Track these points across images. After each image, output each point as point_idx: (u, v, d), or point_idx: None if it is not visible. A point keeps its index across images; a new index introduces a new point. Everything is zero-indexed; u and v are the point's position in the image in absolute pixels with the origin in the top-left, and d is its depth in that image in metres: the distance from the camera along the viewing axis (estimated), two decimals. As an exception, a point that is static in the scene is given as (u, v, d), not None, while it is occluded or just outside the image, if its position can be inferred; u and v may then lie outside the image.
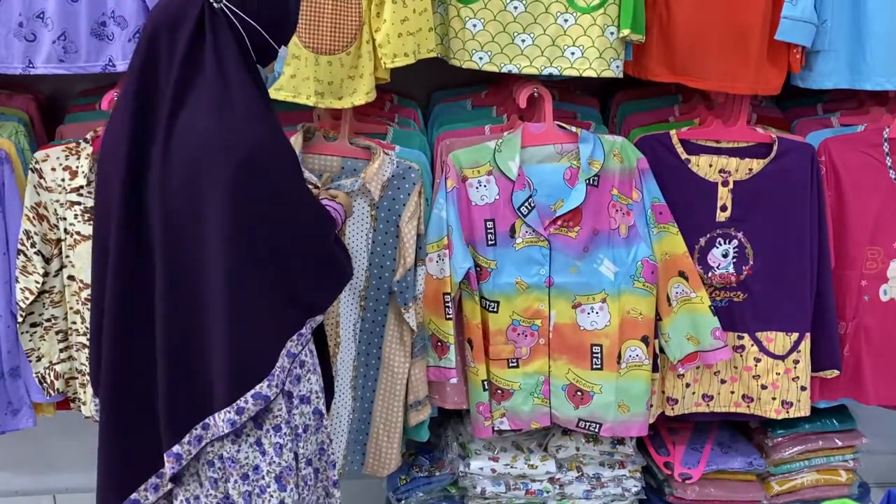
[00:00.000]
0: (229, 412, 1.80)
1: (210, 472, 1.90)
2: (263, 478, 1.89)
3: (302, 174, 1.94)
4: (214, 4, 1.77)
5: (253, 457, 1.88)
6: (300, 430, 1.95)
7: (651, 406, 2.55)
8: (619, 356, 2.49)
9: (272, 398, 1.82)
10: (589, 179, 2.43)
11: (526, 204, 2.43)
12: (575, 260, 2.47)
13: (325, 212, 1.98)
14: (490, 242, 2.46)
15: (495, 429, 2.55)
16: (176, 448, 1.84)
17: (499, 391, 2.53)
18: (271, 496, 1.90)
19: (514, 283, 2.47)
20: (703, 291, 2.49)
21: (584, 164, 2.43)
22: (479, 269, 2.47)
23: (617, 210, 2.45)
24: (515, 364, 2.52)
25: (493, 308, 2.48)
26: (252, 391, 1.80)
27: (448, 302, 2.44)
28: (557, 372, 2.52)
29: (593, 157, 2.43)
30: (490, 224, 2.45)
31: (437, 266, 2.43)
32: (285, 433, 1.89)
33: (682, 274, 2.48)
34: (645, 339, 2.48)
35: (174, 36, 1.77)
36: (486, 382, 2.51)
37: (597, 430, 2.54)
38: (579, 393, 2.52)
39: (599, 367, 2.51)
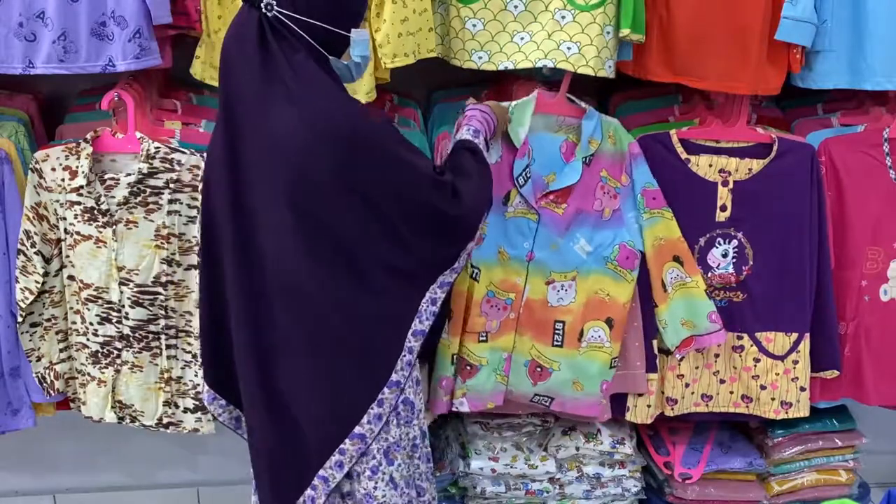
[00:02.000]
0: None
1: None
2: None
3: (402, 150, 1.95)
4: (268, 14, 1.84)
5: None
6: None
7: (606, 389, 2.51)
8: (581, 334, 2.47)
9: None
10: (585, 158, 2.42)
11: (523, 174, 2.39)
12: (557, 237, 2.44)
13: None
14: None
15: (455, 408, 2.48)
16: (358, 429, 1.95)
17: (467, 367, 2.47)
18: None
19: (497, 253, 2.42)
20: (699, 275, 2.49)
21: (583, 142, 2.41)
22: None
23: (605, 192, 2.44)
24: (485, 338, 2.47)
25: (476, 276, 2.43)
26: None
27: None
28: (521, 348, 2.49)
29: (593, 137, 2.41)
30: None
31: None
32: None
33: (676, 259, 2.47)
34: (609, 322, 2.46)
35: (243, 48, 1.85)
36: (455, 356, 2.44)
37: (548, 404, 2.52)
38: (539, 369, 2.50)
39: (560, 343, 2.49)
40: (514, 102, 2.37)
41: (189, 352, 2.44)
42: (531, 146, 2.39)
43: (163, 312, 2.41)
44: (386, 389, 1.94)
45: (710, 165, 2.50)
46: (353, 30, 1.92)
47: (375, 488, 1.97)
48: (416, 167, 1.92)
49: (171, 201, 2.35)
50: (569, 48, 2.39)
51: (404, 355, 1.96)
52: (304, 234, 1.85)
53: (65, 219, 2.37)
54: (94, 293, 2.39)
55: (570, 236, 2.44)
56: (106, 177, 2.34)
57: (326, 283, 1.88)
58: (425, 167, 1.94)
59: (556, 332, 2.48)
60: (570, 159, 2.42)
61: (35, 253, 2.37)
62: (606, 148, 2.43)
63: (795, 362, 2.58)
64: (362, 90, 2.34)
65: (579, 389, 2.49)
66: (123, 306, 2.39)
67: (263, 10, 1.84)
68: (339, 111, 1.85)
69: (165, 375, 2.45)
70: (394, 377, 1.95)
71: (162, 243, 2.36)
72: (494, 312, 2.45)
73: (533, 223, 2.42)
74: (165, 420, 2.49)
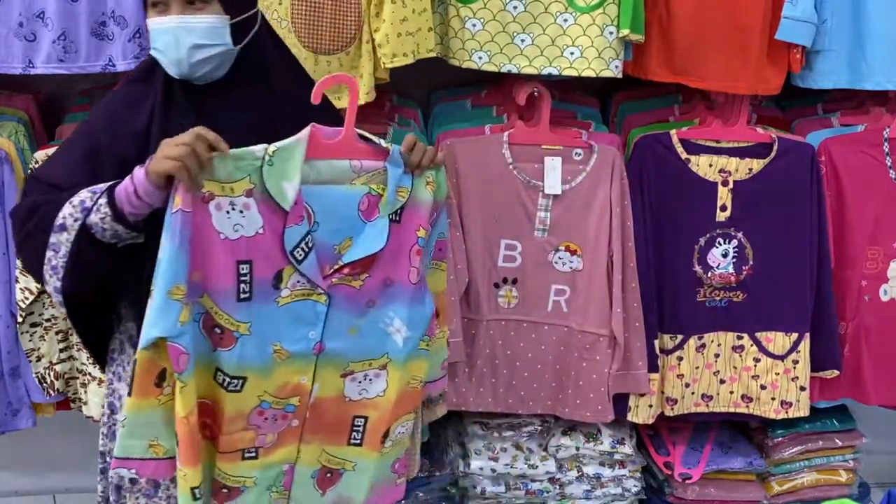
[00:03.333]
0: None
1: None
2: None
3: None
4: None
5: None
6: None
7: (398, 468, 2.01)
8: (386, 434, 1.90)
9: None
10: (393, 214, 1.80)
11: (302, 245, 1.73)
12: (356, 318, 1.81)
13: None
14: (243, 295, 1.71)
15: None
16: None
17: (223, 490, 1.82)
18: None
19: (272, 353, 1.75)
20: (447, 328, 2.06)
21: (390, 193, 1.79)
22: (219, 331, 1.71)
23: (420, 256, 1.85)
24: (254, 454, 1.82)
25: (236, 386, 1.74)
26: None
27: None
28: (307, 457, 1.89)
29: (401, 184, 1.80)
30: (245, 268, 1.71)
31: None
32: None
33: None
34: (416, 410, 1.98)
35: None
36: (197, 490, 1.72)
37: None
38: (329, 474, 1.92)
39: (358, 442, 1.90)
40: (274, 146, 1.70)
41: (189, 352, 2.44)
42: (311, 207, 1.74)
43: (163, 312, 2.40)
44: None
45: (711, 165, 2.50)
46: (148, 19, 1.78)
47: None
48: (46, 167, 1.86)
49: (170, 201, 2.34)
50: (572, 53, 2.39)
51: None
52: None
53: (65, 219, 2.36)
54: (94, 293, 2.39)
55: (379, 315, 1.83)
56: (106, 177, 2.33)
57: None
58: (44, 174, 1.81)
59: (355, 428, 1.90)
60: (373, 216, 1.79)
61: (35, 253, 2.37)
62: (423, 197, 1.84)
63: (795, 362, 2.58)
64: (362, 90, 2.34)
65: (377, 490, 1.97)
66: (123, 306, 2.39)
67: None
68: None
69: (165, 375, 2.45)
70: None
71: (162, 243, 2.36)
72: (270, 425, 1.81)
73: (321, 306, 1.77)
74: (165, 420, 2.49)
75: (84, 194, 1.66)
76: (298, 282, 1.75)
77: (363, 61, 2.33)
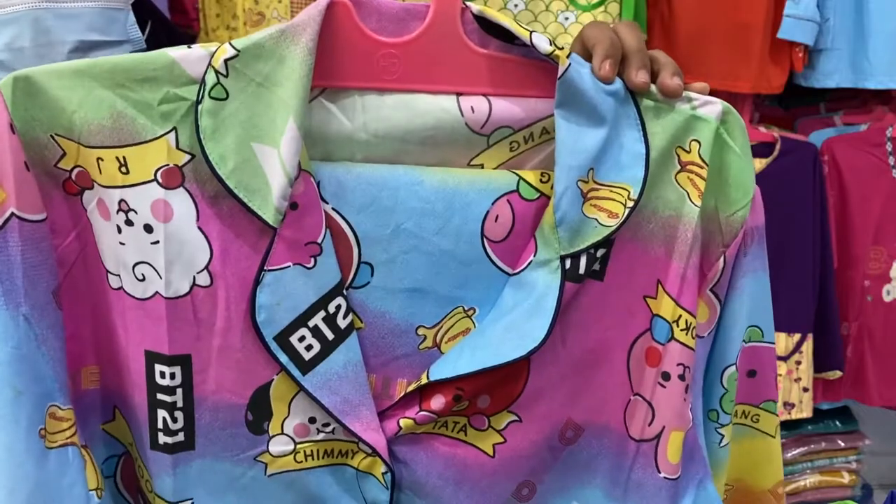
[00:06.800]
0: None
1: None
2: None
3: None
4: None
5: None
6: None
7: None
8: None
9: None
10: (577, 258, 0.74)
11: (317, 325, 0.72)
12: None
13: None
14: (165, 440, 0.74)
15: None
16: None
17: None
18: None
19: None
20: None
21: (564, 194, 0.75)
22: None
23: (660, 370, 0.80)
24: None
25: None
26: None
27: None
28: None
29: (611, 176, 0.76)
30: (170, 374, 0.72)
31: None
32: None
33: None
34: None
35: None
36: None
37: None
38: None
39: None
40: (234, 44, 0.71)
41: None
42: (350, 221, 0.75)
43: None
44: None
45: (712, 165, 2.49)
46: None
47: None
48: None
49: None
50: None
51: None
52: None
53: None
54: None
55: None
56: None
57: None
58: None
59: None
60: (523, 259, 0.76)
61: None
62: (673, 206, 0.80)
63: (798, 363, 2.57)
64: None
65: None
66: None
67: None
68: None
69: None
70: None
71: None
72: None
73: (378, 488, 0.78)
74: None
75: None
76: (313, 419, 0.76)
77: (362, 60, 2.32)
